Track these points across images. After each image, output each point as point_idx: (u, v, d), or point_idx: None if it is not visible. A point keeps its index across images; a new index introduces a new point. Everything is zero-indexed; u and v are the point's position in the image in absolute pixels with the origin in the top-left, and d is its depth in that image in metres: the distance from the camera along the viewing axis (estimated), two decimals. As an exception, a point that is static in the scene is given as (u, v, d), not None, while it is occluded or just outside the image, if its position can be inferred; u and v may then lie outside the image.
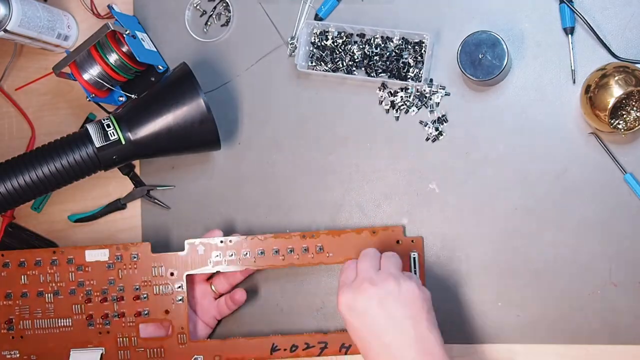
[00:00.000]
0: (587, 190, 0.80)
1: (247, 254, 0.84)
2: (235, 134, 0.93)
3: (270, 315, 0.90)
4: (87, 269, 0.88)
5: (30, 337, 0.88)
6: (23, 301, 0.88)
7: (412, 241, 0.84)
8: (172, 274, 0.86)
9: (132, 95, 0.96)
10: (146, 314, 0.86)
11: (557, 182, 0.81)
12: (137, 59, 0.90)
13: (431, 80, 0.85)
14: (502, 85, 0.83)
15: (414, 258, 0.82)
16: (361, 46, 0.86)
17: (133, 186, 0.98)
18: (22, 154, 0.87)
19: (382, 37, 0.86)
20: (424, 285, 0.78)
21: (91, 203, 1.01)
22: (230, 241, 0.85)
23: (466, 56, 0.80)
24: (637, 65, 0.76)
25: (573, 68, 0.80)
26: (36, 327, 0.88)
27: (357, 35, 0.87)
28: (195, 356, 0.84)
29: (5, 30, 0.90)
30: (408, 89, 0.85)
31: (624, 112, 0.76)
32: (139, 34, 0.94)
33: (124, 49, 0.91)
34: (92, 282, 0.87)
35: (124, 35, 0.90)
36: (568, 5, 0.79)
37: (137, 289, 0.86)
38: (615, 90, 0.73)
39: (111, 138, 0.85)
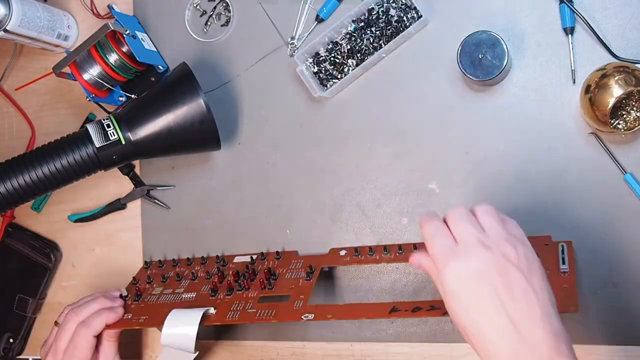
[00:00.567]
0: (587, 190, 0.80)
1: None
2: (235, 134, 0.93)
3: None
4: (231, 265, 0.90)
5: (151, 305, 0.89)
6: (161, 285, 0.91)
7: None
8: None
9: (132, 95, 0.96)
10: (270, 288, 0.84)
11: (557, 182, 0.81)
12: (137, 59, 0.90)
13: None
14: (502, 85, 0.83)
15: (563, 247, 0.74)
16: (353, 35, 0.86)
17: (133, 186, 0.98)
18: (22, 154, 0.87)
19: (363, 16, 0.86)
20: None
21: (91, 203, 1.01)
22: None
23: (466, 56, 0.80)
24: (637, 65, 0.76)
25: (573, 68, 0.80)
26: (160, 300, 0.89)
27: (345, 33, 0.87)
28: (306, 314, 0.78)
29: (5, 30, 0.90)
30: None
31: (624, 112, 0.76)
32: (139, 34, 0.94)
33: (124, 49, 0.91)
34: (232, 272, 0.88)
35: (124, 35, 0.90)
36: (568, 5, 0.79)
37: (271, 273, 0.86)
38: (615, 90, 0.73)
39: (111, 138, 0.86)
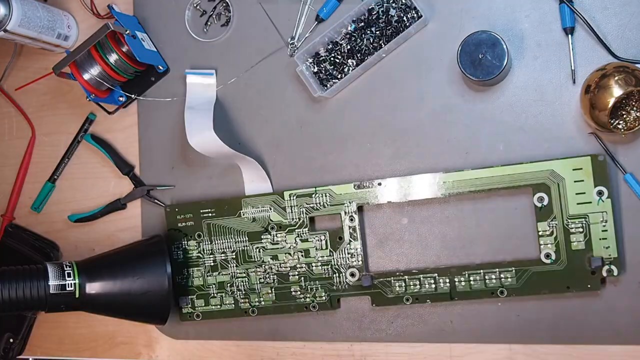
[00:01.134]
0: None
1: None
2: (235, 134, 0.93)
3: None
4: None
5: None
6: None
7: None
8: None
9: (132, 95, 0.96)
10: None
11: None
12: (137, 59, 0.90)
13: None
14: (502, 85, 0.83)
15: None
16: (353, 35, 0.86)
17: (133, 186, 0.98)
18: None
19: (363, 16, 0.86)
20: None
21: (91, 203, 1.01)
22: None
23: (466, 56, 0.80)
24: (637, 65, 0.76)
25: (573, 68, 0.80)
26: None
27: (345, 33, 0.87)
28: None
29: (5, 30, 0.90)
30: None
31: (624, 112, 0.76)
32: (139, 34, 0.94)
33: (124, 49, 0.91)
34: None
35: (124, 35, 0.90)
36: (568, 5, 0.79)
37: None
38: (615, 90, 0.73)
39: (67, 289, 0.85)
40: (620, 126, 0.76)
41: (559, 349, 0.80)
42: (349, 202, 0.86)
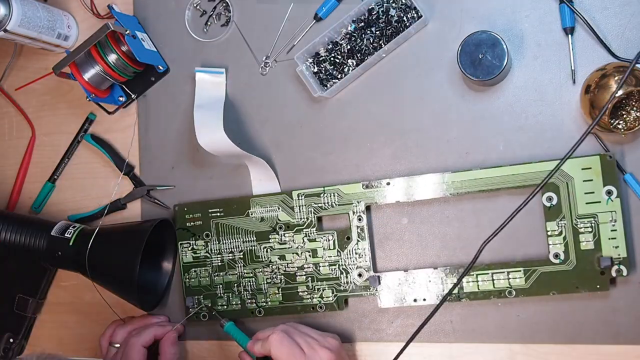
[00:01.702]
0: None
1: None
2: (235, 134, 0.93)
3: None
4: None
5: None
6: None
7: None
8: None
9: (133, 95, 0.96)
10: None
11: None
12: (137, 59, 0.90)
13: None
14: (502, 85, 0.83)
15: None
16: (353, 35, 0.86)
17: (133, 186, 0.98)
18: None
19: (363, 16, 0.86)
20: None
21: (91, 203, 1.01)
22: None
23: (466, 56, 0.80)
24: (637, 65, 0.76)
25: (573, 68, 0.80)
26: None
27: (345, 33, 0.87)
28: None
29: (5, 30, 0.90)
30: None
31: (624, 112, 0.76)
32: (139, 34, 0.94)
33: (124, 48, 0.91)
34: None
35: (124, 35, 0.90)
36: (568, 5, 0.79)
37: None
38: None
39: (65, 235, 0.92)
40: (620, 126, 0.76)
41: (559, 349, 0.80)
42: (357, 202, 0.86)
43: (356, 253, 0.87)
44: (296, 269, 0.89)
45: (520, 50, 0.82)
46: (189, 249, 0.93)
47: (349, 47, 0.87)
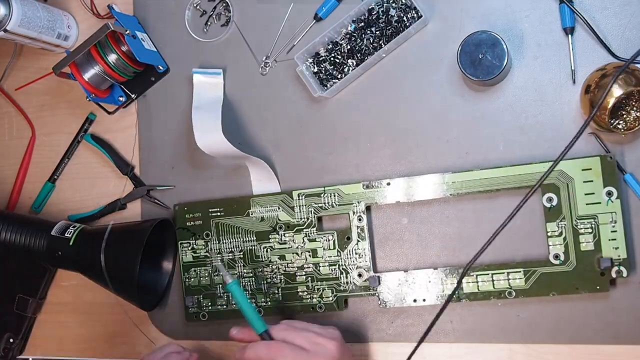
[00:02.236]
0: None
1: None
2: (235, 134, 0.93)
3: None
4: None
5: None
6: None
7: None
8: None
9: (132, 95, 0.96)
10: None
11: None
12: (137, 59, 0.90)
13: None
14: (502, 85, 0.83)
15: None
16: (353, 35, 0.86)
17: (133, 186, 0.98)
18: None
19: (363, 16, 0.86)
20: None
21: (91, 203, 1.01)
22: None
23: (466, 56, 0.80)
24: (637, 65, 0.76)
25: (573, 68, 0.80)
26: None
27: (345, 33, 0.87)
28: None
29: (5, 30, 0.90)
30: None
31: (624, 112, 0.76)
32: (139, 34, 0.94)
33: (124, 48, 0.91)
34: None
35: (124, 35, 0.90)
36: (568, 5, 0.79)
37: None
38: (615, 90, 0.73)
39: (65, 235, 0.92)
40: (620, 126, 0.76)
41: (559, 349, 0.80)
42: (358, 202, 0.86)
43: (356, 253, 0.87)
44: (296, 269, 0.89)
45: (520, 50, 0.82)
46: (189, 248, 0.93)
47: (349, 47, 0.87)
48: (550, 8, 0.81)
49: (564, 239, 0.79)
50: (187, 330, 0.95)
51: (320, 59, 0.88)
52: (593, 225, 0.78)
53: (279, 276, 0.90)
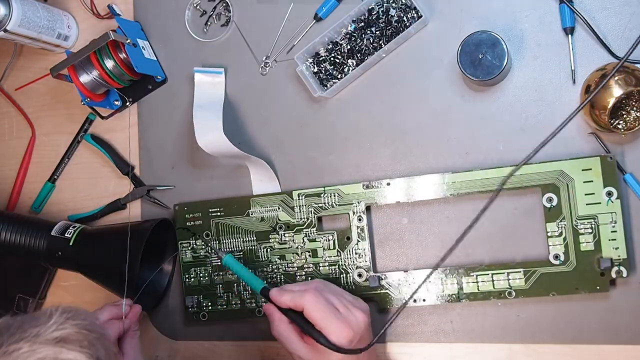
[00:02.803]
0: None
1: None
2: (235, 134, 0.93)
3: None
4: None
5: None
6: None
7: None
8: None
9: (128, 100, 0.96)
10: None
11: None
12: (135, 69, 0.90)
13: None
14: (502, 85, 0.83)
15: None
16: (353, 35, 0.86)
17: (133, 186, 0.98)
18: None
19: (363, 16, 0.86)
20: None
21: (91, 203, 1.01)
22: None
23: (466, 56, 0.80)
24: (637, 65, 0.76)
25: (573, 68, 0.80)
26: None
27: (345, 33, 0.87)
28: None
29: (5, 30, 0.90)
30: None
31: (624, 112, 0.76)
32: (140, 42, 0.94)
33: (122, 56, 0.91)
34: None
35: (124, 44, 0.90)
36: (568, 5, 0.79)
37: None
38: (615, 90, 0.73)
39: (65, 235, 0.92)
40: (620, 126, 0.76)
41: (559, 349, 0.80)
42: (358, 202, 0.86)
43: (356, 253, 0.87)
44: (296, 269, 0.89)
45: (520, 50, 0.82)
46: (189, 248, 0.93)
47: (349, 47, 0.87)
48: (550, 8, 0.81)
49: (564, 239, 0.79)
50: (187, 330, 0.95)
51: (320, 59, 0.88)
52: (593, 226, 0.78)
53: (279, 276, 0.90)
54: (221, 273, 0.92)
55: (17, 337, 0.55)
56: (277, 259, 0.90)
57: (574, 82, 0.80)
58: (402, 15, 0.85)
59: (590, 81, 0.76)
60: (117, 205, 0.99)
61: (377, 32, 0.86)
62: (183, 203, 0.94)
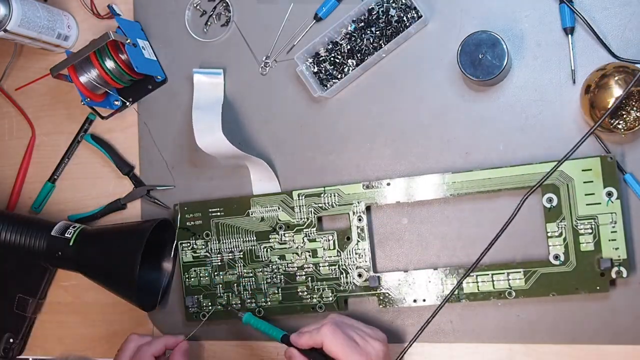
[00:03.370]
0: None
1: None
2: (235, 134, 0.93)
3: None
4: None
5: None
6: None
7: None
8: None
9: (129, 100, 0.96)
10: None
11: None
12: (135, 69, 0.90)
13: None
14: (502, 85, 0.83)
15: None
16: (352, 35, 0.86)
17: (133, 186, 0.98)
18: None
19: (363, 16, 0.86)
20: None
21: (91, 203, 1.01)
22: None
23: (466, 56, 0.80)
24: (637, 65, 0.76)
25: (573, 68, 0.80)
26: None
27: (345, 33, 0.87)
28: None
29: (5, 30, 0.90)
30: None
31: (624, 112, 0.76)
32: (140, 42, 0.94)
33: (123, 56, 0.91)
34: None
35: (125, 44, 0.90)
36: (568, 5, 0.79)
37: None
38: (615, 90, 0.73)
39: (65, 235, 0.92)
40: (620, 126, 0.76)
41: (559, 349, 0.80)
42: (358, 202, 0.86)
43: (356, 253, 0.87)
44: (296, 269, 0.89)
45: (520, 50, 0.82)
46: (189, 248, 0.93)
47: (349, 47, 0.87)
48: (550, 8, 0.81)
49: (564, 239, 0.79)
50: (187, 331, 0.95)
51: (320, 59, 0.88)
52: (593, 226, 0.78)
53: (279, 276, 0.90)
54: (221, 273, 0.92)
55: None
56: (277, 259, 0.90)
57: (574, 82, 0.80)
58: (402, 15, 0.85)
59: (590, 81, 0.76)
60: (117, 205, 0.99)
61: (377, 32, 0.86)
62: (183, 203, 0.94)
